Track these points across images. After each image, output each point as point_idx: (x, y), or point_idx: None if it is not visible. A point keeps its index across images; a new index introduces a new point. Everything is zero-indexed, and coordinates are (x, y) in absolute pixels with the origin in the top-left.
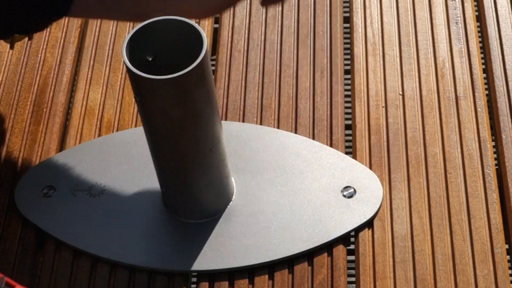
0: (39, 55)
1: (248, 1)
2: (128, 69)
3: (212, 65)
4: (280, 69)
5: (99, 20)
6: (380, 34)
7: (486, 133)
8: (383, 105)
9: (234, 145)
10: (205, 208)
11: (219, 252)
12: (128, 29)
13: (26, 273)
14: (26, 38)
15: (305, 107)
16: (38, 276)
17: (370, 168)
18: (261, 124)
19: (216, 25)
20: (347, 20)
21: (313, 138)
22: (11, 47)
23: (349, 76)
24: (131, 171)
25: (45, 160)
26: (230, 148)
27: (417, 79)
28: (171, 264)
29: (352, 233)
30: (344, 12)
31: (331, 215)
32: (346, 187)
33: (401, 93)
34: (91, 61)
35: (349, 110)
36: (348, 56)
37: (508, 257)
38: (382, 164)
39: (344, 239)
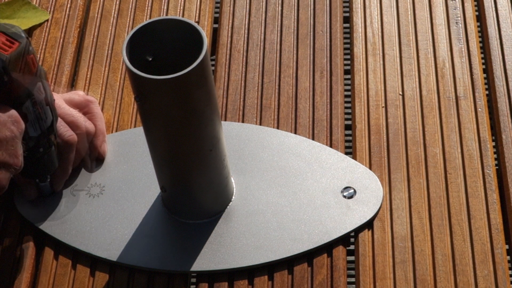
0: (38, 55)
1: (248, 1)
2: (128, 69)
3: (212, 65)
4: (279, 69)
5: (98, 20)
6: (380, 34)
7: (486, 133)
8: (383, 105)
9: (234, 145)
10: (204, 209)
11: (219, 252)
12: (128, 29)
13: (25, 273)
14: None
15: (305, 107)
16: (37, 276)
17: (370, 168)
18: (260, 124)
19: (216, 25)
20: (347, 20)
21: (313, 138)
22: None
23: (349, 76)
24: (130, 171)
25: None
26: (230, 148)
27: (417, 79)
28: (170, 265)
29: (352, 234)
30: (344, 12)
31: (331, 215)
32: (346, 188)
33: (401, 93)
34: (91, 61)
35: (349, 110)
36: (348, 56)
37: (508, 257)
38: (382, 164)
39: (344, 240)
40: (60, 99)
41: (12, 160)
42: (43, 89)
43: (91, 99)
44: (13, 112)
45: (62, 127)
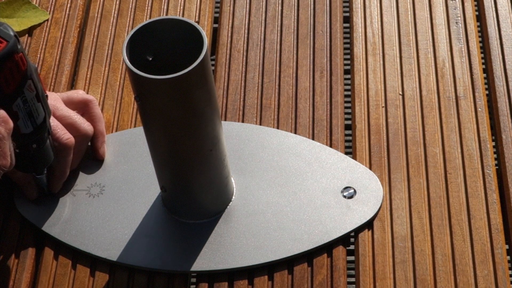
0: (38, 55)
1: (248, 1)
2: (128, 69)
3: (212, 65)
4: (279, 69)
5: (98, 20)
6: (380, 34)
7: (486, 133)
8: (383, 105)
9: (234, 145)
10: (204, 209)
11: (219, 252)
12: (128, 29)
13: (25, 273)
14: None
15: (305, 107)
16: (37, 276)
17: (370, 168)
18: (260, 124)
19: (216, 25)
20: (347, 19)
21: (313, 138)
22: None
23: (349, 76)
24: (130, 171)
25: None
26: (230, 148)
27: (417, 79)
28: (170, 265)
29: (352, 234)
30: (344, 11)
31: (331, 215)
32: (346, 188)
33: (401, 93)
34: (90, 61)
35: (349, 110)
36: (348, 56)
37: (508, 257)
38: (382, 164)
39: (344, 240)
40: (59, 100)
41: (0, 161)
42: (34, 87)
43: (91, 99)
44: (0, 112)
45: (59, 130)
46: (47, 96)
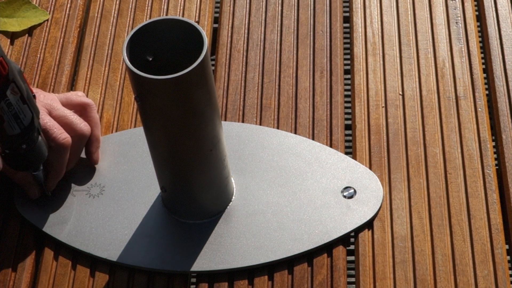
0: (38, 55)
1: (248, 1)
2: (128, 69)
3: (212, 65)
4: (279, 69)
5: (98, 20)
6: (380, 34)
7: (486, 133)
8: (383, 105)
9: (234, 145)
10: (205, 209)
11: (219, 252)
12: (128, 29)
13: (25, 273)
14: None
15: (305, 107)
16: (37, 276)
17: (370, 168)
18: (260, 124)
19: (216, 25)
20: (347, 19)
21: (313, 138)
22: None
23: (349, 76)
24: (130, 171)
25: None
26: (230, 148)
27: (417, 79)
28: (170, 265)
29: (352, 234)
30: (344, 11)
31: (331, 215)
32: (346, 188)
33: (401, 93)
34: (91, 61)
35: (349, 110)
36: (348, 56)
37: (508, 257)
38: (382, 164)
39: (344, 240)
40: (56, 100)
41: None
42: (18, 89)
43: (89, 103)
44: None
45: (56, 129)
46: (34, 96)
